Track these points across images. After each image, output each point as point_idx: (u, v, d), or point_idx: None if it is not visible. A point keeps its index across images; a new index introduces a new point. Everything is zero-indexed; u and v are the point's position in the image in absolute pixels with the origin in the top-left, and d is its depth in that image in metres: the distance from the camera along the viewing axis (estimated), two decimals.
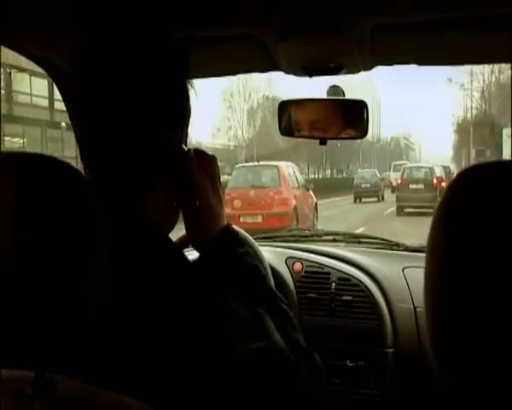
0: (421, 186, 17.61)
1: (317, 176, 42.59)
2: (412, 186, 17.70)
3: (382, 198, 23.07)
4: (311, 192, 12.11)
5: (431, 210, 14.86)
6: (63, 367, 0.57)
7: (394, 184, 21.16)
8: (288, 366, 0.73)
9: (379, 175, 25.15)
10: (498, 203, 0.47)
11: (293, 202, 10.64)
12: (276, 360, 0.73)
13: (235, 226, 0.93)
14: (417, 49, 1.28)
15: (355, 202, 22.55)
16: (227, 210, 8.21)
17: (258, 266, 0.88)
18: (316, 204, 12.31)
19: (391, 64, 1.37)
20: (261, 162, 11.96)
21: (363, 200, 22.63)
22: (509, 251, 0.46)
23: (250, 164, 12.35)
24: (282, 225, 9.30)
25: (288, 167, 11.79)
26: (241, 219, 10.08)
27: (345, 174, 49.28)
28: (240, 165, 12.67)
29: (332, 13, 1.06)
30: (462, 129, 43.17)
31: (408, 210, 16.56)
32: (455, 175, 0.53)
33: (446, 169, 23.43)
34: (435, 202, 16.52)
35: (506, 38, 1.16)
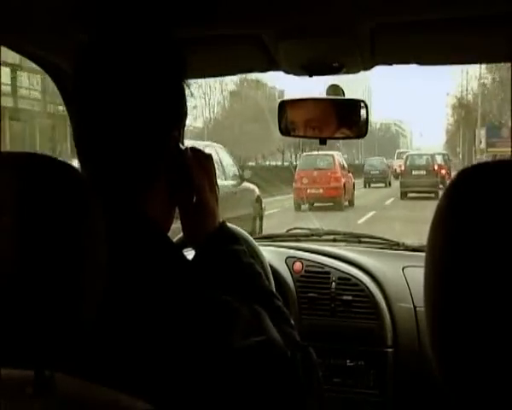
0: (423, 172, 18.69)
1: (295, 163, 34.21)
2: (415, 172, 18.78)
3: (389, 184, 24.86)
4: (351, 174, 16.77)
5: (433, 195, 16.13)
6: (63, 367, 0.57)
7: (398, 171, 22.41)
8: (285, 360, 0.74)
9: (386, 162, 27.35)
10: (498, 203, 0.47)
11: (343, 179, 15.19)
12: (273, 355, 0.73)
13: (230, 225, 0.94)
14: (417, 49, 1.28)
15: (365, 186, 23.92)
16: (298, 185, 14.08)
17: (254, 263, 0.89)
18: (354, 183, 16.91)
19: (391, 64, 1.37)
20: (320, 152, 15.77)
21: (372, 185, 24.61)
22: (508, 251, 0.46)
23: (313, 153, 16.70)
24: (336, 195, 14.42)
25: (338, 156, 16.66)
26: (308, 191, 14.23)
27: None
28: (305, 154, 17.57)
29: (332, 13, 1.06)
30: (461, 105, 35.87)
31: (411, 195, 17.66)
32: (455, 169, 0.53)
33: (445, 156, 25.54)
34: (436, 187, 17.19)
35: (506, 37, 1.16)
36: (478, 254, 0.47)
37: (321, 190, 14.55)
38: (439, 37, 1.17)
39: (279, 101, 1.45)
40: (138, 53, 0.80)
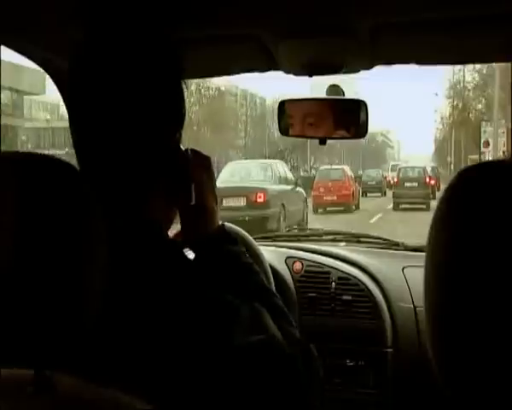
0: (415, 184, 19.74)
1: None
2: (407, 184, 19.85)
3: (385, 193, 26.86)
4: (357, 184, 20.72)
5: (424, 206, 17.20)
6: (63, 367, 0.57)
7: (392, 182, 24.02)
8: (285, 358, 0.73)
9: (382, 173, 30.03)
10: (498, 203, 0.47)
11: (352, 188, 18.95)
12: (274, 353, 0.73)
13: (229, 225, 0.94)
14: (417, 49, 1.28)
15: (362, 196, 25.26)
16: (316, 193, 18.48)
17: (253, 263, 0.89)
18: (359, 191, 21.49)
19: (391, 64, 1.37)
20: (333, 166, 22.37)
21: (368, 195, 26.68)
22: (508, 251, 0.46)
23: (327, 167, 22.71)
24: (346, 200, 18.04)
25: (348, 169, 20.92)
26: (324, 198, 17.91)
27: (303, 173, 39.90)
28: (321, 168, 22.79)
29: (332, 13, 1.06)
30: (457, 94, 29.77)
31: (403, 206, 18.66)
32: (452, 175, 0.53)
33: (434, 169, 27.91)
34: (428, 198, 17.91)
35: (505, 37, 1.16)
36: (478, 255, 0.47)
37: (334, 197, 18.05)
38: (439, 37, 1.17)
39: (279, 101, 1.45)
40: (137, 54, 0.80)
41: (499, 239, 0.46)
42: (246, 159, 31.43)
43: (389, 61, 1.36)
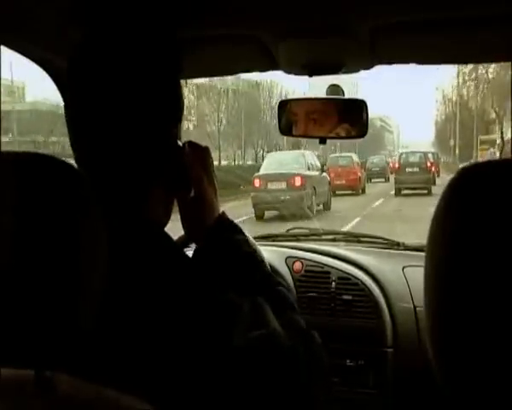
0: (416, 169, 20.06)
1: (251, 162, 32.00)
2: (408, 170, 20.18)
3: (388, 179, 28.44)
4: (363, 170, 22.76)
5: (425, 191, 17.64)
6: (63, 367, 0.57)
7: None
8: (285, 352, 0.73)
9: (385, 160, 32.29)
10: (499, 203, 0.47)
11: (359, 173, 20.95)
12: (273, 347, 0.73)
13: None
14: (417, 50, 1.28)
15: (367, 182, 26.11)
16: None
17: (255, 251, 0.90)
18: (365, 176, 23.63)
19: (390, 63, 1.37)
20: (343, 153, 24.67)
21: (372, 180, 28.31)
22: (509, 251, 0.46)
23: (337, 154, 25.10)
24: (354, 184, 19.91)
25: (355, 156, 23.08)
26: (334, 182, 18.45)
27: None
28: (331, 155, 24.66)
29: (332, 13, 1.06)
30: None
31: (405, 192, 19.22)
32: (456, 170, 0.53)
33: (435, 155, 28.98)
34: (429, 183, 18.22)
35: (506, 37, 1.16)
36: (478, 254, 0.47)
37: (343, 181, 19.89)
38: (439, 37, 1.17)
39: (279, 100, 1.45)
40: (135, 51, 0.80)
41: (499, 237, 0.46)
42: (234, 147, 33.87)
43: (389, 61, 1.36)
